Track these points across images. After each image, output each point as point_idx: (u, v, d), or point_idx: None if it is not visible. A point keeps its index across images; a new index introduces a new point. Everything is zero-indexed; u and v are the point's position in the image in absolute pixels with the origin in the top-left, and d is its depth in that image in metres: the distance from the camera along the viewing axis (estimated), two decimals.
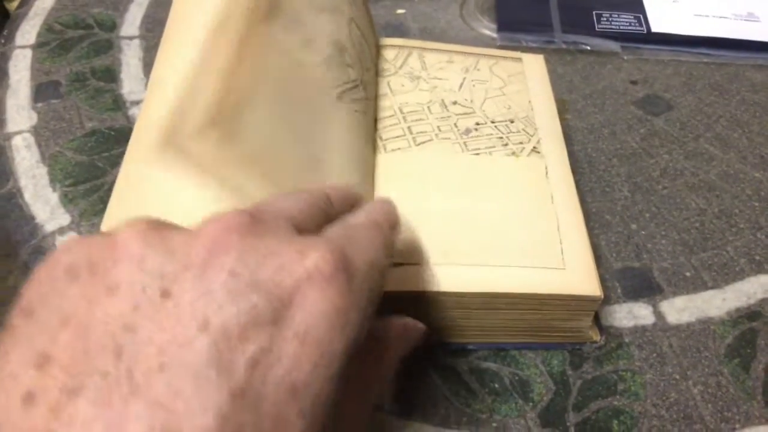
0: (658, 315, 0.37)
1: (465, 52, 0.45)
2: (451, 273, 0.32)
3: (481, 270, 0.32)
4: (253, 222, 0.20)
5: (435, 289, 0.31)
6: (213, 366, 0.17)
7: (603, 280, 0.37)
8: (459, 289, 0.31)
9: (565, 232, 0.34)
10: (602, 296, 0.32)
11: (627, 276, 0.39)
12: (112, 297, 0.18)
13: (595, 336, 0.35)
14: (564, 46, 0.54)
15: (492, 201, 0.35)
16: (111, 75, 0.50)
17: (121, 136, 0.45)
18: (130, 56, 0.51)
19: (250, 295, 0.18)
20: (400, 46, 0.44)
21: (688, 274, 0.39)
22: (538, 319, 0.33)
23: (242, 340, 0.17)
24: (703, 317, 0.37)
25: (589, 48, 0.54)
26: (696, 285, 0.38)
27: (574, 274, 0.33)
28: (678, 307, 0.37)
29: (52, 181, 0.42)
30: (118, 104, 0.47)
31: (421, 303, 0.32)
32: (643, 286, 0.38)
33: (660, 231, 0.41)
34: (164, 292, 0.18)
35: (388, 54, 0.43)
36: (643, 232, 0.41)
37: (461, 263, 0.32)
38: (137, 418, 0.16)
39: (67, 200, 0.41)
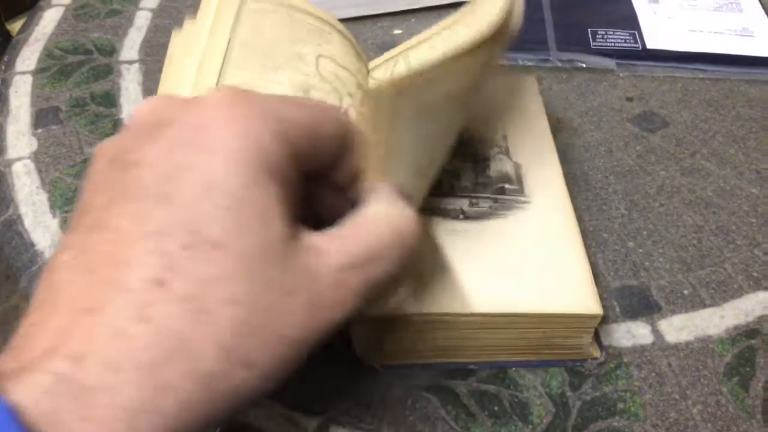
0: (657, 334, 0.37)
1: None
2: (452, 294, 0.32)
3: (481, 290, 0.32)
4: None
5: (437, 310, 0.31)
6: None
7: (601, 299, 0.37)
8: (458, 310, 0.32)
9: (564, 250, 0.34)
10: (602, 313, 0.32)
11: (625, 294, 0.39)
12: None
13: (596, 352, 0.35)
14: (559, 64, 0.54)
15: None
16: (110, 100, 0.50)
17: None
18: (130, 81, 0.52)
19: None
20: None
21: (686, 292, 0.39)
22: (538, 337, 0.34)
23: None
24: (701, 336, 0.37)
25: (584, 65, 0.54)
26: (694, 303, 0.38)
27: (573, 292, 0.33)
28: (676, 325, 0.37)
29: (52, 207, 0.42)
30: (118, 129, 0.48)
31: (422, 324, 0.32)
32: (642, 305, 0.38)
33: (657, 249, 0.41)
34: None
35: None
36: (640, 250, 0.41)
37: (461, 284, 0.32)
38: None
39: (66, 226, 0.41)
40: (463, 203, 0.36)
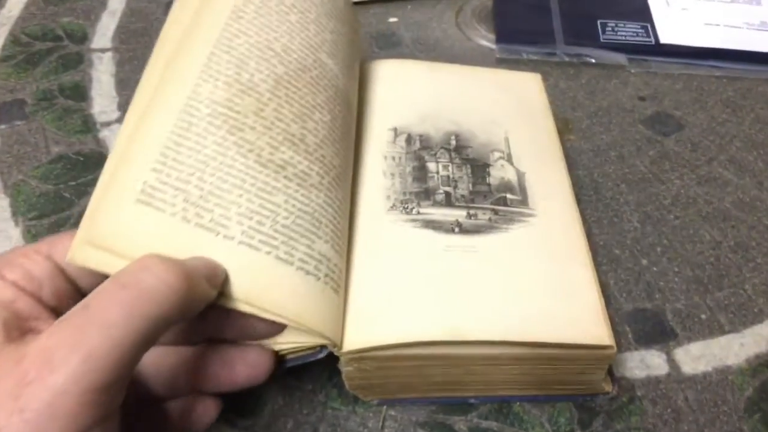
0: (672, 364, 0.34)
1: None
2: (452, 322, 0.29)
3: (479, 316, 0.29)
4: None
5: (435, 339, 0.28)
6: None
7: (612, 324, 0.34)
8: (456, 337, 0.28)
9: (572, 273, 0.31)
10: (615, 351, 0.29)
11: (638, 319, 0.36)
12: None
13: (608, 387, 0.32)
14: (567, 59, 0.50)
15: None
16: (81, 93, 0.46)
17: (90, 162, 0.41)
18: (102, 71, 0.48)
19: None
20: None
21: (703, 316, 0.36)
22: (547, 373, 0.30)
23: None
24: (720, 366, 0.34)
25: (593, 61, 0.50)
26: (712, 329, 0.35)
27: (584, 323, 0.30)
28: (693, 354, 0.34)
29: (15, 214, 0.39)
30: (88, 126, 0.44)
31: (416, 360, 0.29)
32: (656, 331, 0.35)
33: (673, 267, 0.38)
34: None
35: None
36: (654, 269, 0.38)
37: (463, 313, 0.29)
38: None
39: (30, 236, 0.38)
40: (460, 215, 0.33)
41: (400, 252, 0.31)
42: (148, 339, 0.21)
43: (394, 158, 0.35)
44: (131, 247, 0.24)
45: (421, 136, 0.37)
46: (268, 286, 0.26)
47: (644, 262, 0.38)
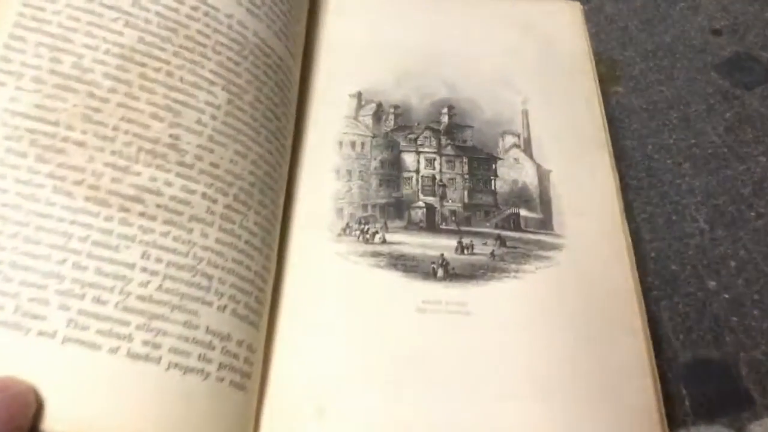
0: None
1: None
2: None
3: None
4: None
5: None
6: None
7: (663, 381, 0.24)
8: None
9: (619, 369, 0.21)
10: None
11: (699, 376, 0.27)
12: None
13: None
14: None
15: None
16: None
17: None
18: None
19: None
20: None
21: None
22: None
23: None
24: None
25: None
26: None
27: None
28: None
29: None
30: None
31: None
32: (724, 396, 0.27)
33: (751, 293, 0.29)
34: None
35: None
36: (725, 295, 0.29)
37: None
38: None
39: None
40: (447, 246, 0.23)
41: (349, 312, 0.21)
42: None
43: (354, 145, 0.25)
44: None
45: (396, 108, 0.26)
46: (111, 403, 0.17)
47: (711, 284, 0.29)
